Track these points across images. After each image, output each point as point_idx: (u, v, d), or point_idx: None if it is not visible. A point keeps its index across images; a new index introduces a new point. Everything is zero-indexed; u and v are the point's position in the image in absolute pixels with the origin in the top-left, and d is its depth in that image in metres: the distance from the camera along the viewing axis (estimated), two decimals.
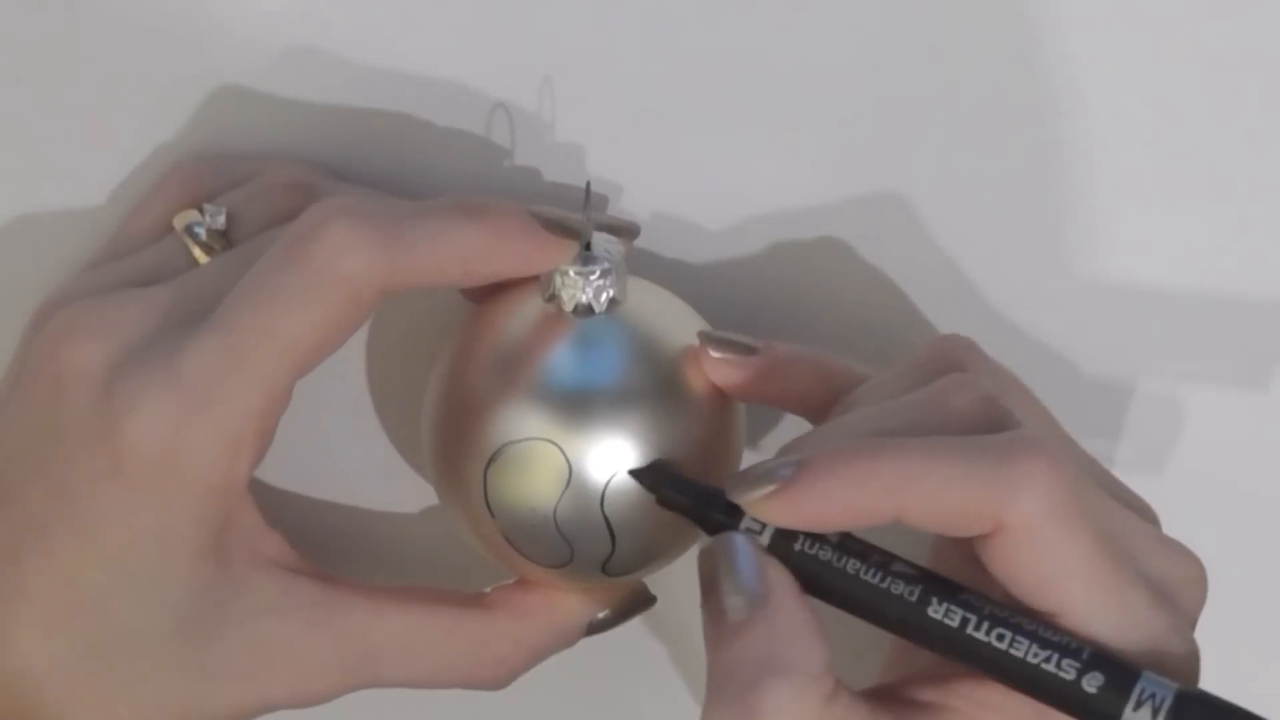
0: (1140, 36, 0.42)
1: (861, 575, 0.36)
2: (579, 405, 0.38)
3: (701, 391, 0.39)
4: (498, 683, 0.41)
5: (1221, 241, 0.44)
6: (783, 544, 0.36)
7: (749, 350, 0.40)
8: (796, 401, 0.41)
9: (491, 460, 0.38)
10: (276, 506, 0.42)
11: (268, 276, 0.37)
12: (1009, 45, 0.42)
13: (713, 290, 0.44)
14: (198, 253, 0.41)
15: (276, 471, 0.45)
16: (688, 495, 0.38)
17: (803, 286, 0.45)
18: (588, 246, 0.39)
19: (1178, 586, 0.37)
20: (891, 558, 0.36)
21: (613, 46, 0.43)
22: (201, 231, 0.41)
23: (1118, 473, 0.39)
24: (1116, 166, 0.43)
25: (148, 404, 0.37)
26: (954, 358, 0.38)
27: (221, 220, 0.41)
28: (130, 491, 0.37)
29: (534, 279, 0.40)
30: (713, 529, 0.37)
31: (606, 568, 0.39)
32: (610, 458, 0.38)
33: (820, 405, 0.40)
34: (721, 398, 0.40)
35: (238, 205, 0.42)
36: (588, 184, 0.39)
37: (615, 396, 0.38)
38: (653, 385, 0.39)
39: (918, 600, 0.36)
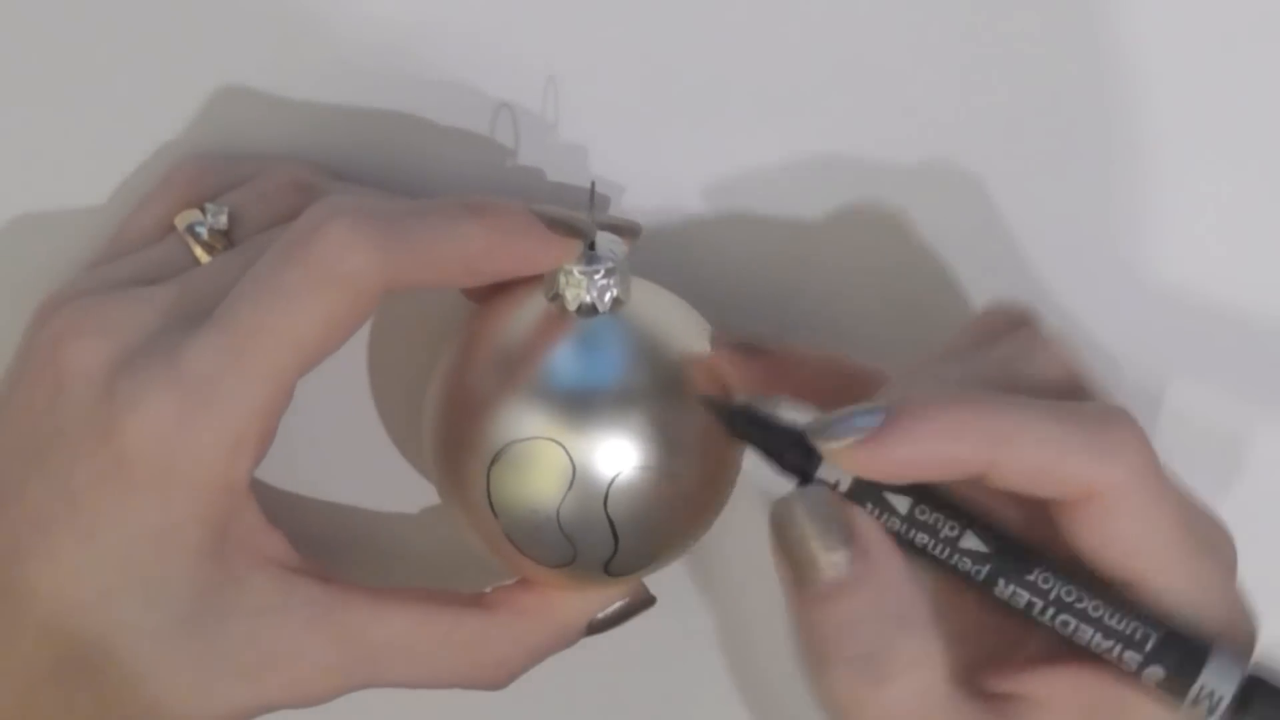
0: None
1: (929, 550, 0.36)
2: (582, 404, 0.38)
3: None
4: (497, 683, 0.41)
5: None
6: (861, 497, 0.35)
7: (759, 353, 0.40)
8: (812, 400, 0.40)
9: (494, 459, 0.38)
10: (277, 506, 0.41)
11: (269, 275, 0.37)
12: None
13: (715, 290, 0.44)
14: (199, 252, 0.41)
15: (278, 471, 0.45)
16: (766, 430, 0.37)
17: (806, 287, 0.45)
18: (591, 246, 0.39)
19: (1225, 556, 0.37)
20: (964, 527, 0.36)
21: (617, 46, 0.43)
22: (203, 231, 0.41)
23: None
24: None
25: (149, 402, 0.37)
26: (1019, 320, 0.38)
27: (223, 220, 0.41)
28: (131, 490, 0.37)
29: (537, 279, 0.40)
30: (786, 468, 0.36)
31: (609, 568, 0.39)
32: (614, 457, 0.38)
33: (837, 403, 0.40)
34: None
35: (239, 205, 0.42)
36: (592, 184, 0.40)
37: (619, 396, 0.38)
38: (656, 385, 0.39)
39: (984, 580, 0.35)
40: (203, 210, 0.41)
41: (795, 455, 0.36)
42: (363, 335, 0.45)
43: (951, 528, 0.36)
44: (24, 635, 0.38)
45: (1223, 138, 0.43)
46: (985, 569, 0.35)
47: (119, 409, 0.37)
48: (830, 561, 0.35)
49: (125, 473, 0.37)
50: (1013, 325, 0.38)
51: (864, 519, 0.35)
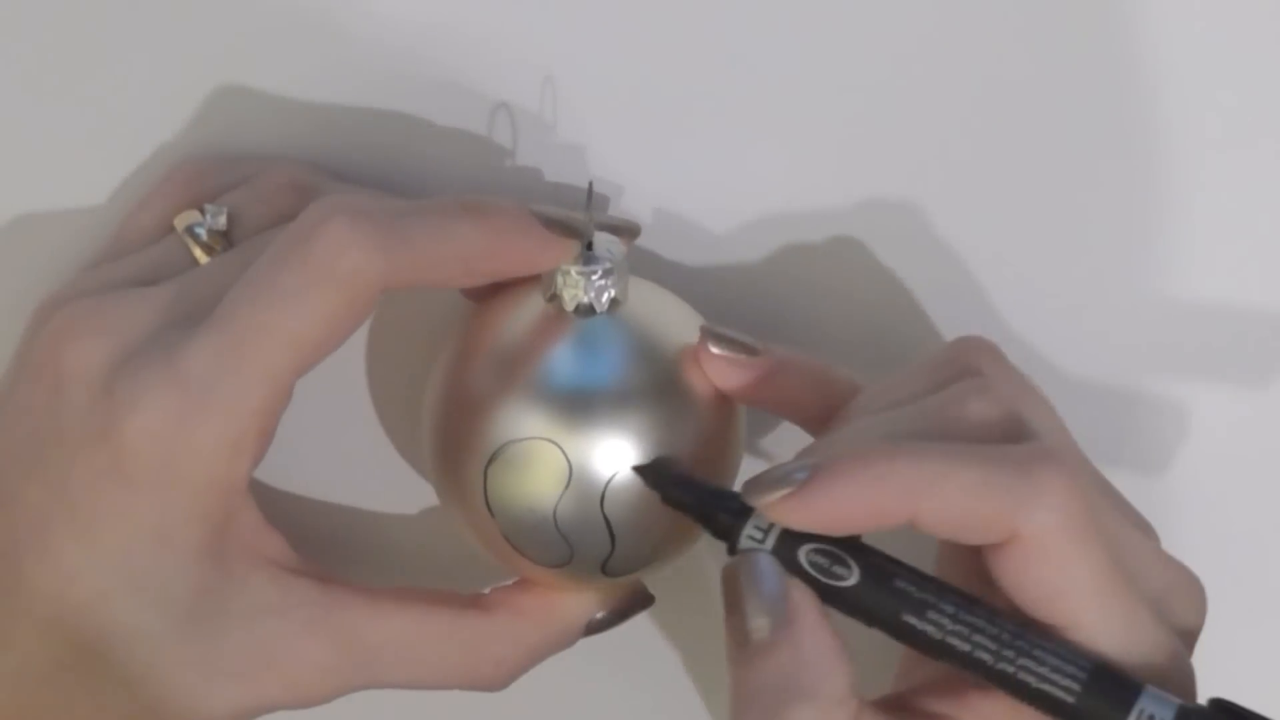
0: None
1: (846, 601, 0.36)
2: (580, 405, 0.38)
3: (702, 392, 0.39)
4: (496, 683, 0.41)
5: None
6: (788, 552, 0.36)
7: (750, 350, 0.40)
8: (793, 408, 0.41)
9: (491, 459, 0.38)
10: (276, 507, 0.42)
11: (268, 274, 0.37)
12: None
13: (713, 291, 0.44)
14: (199, 253, 0.41)
15: (276, 472, 0.45)
16: (693, 494, 0.38)
17: (804, 289, 0.45)
18: (589, 246, 0.39)
19: (1179, 605, 0.37)
20: (896, 568, 0.36)
21: (615, 46, 0.43)
22: (202, 232, 0.41)
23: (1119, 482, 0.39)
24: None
25: (148, 403, 0.37)
26: (972, 360, 0.38)
27: (222, 221, 0.41)
28: (130, 490, 0.37)
29: (535, 279, 0.40)
30: (717, 530, 0.37)
31: (606, 568, 0.39)
32: (611, 457, 0.38)
33: (817, 414, 0.40)
34: (722, 398, 0.40)
35: (239, 205, 0.42)
36: (589, 184, 0.39)
37: (616, 396, 0.38)
38: (653, 385, 0.39)
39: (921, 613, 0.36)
40: (202, 211, 0.41)
41: (725, 516, 0.37)
42: (361, 335, 0.45)
43: (886, 564, 0.36)
44: (23, 636, 0.38)
45: (1234, 150, 0.43)
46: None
47: (118, 409, 0.37)
48: (756, 625, 0.36)
49: (124, 473, 0.37)
50: (964, 367, 0.38)
51: (798, 590, 0.36)
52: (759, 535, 0.36)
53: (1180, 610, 0.37)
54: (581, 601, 0.41)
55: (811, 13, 0.42)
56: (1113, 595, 0.35)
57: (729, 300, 0.44)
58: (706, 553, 0.45)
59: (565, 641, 0.42)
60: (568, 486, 0.38)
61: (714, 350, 0.39)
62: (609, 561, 0.39)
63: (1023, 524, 0.35)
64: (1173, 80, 0.42)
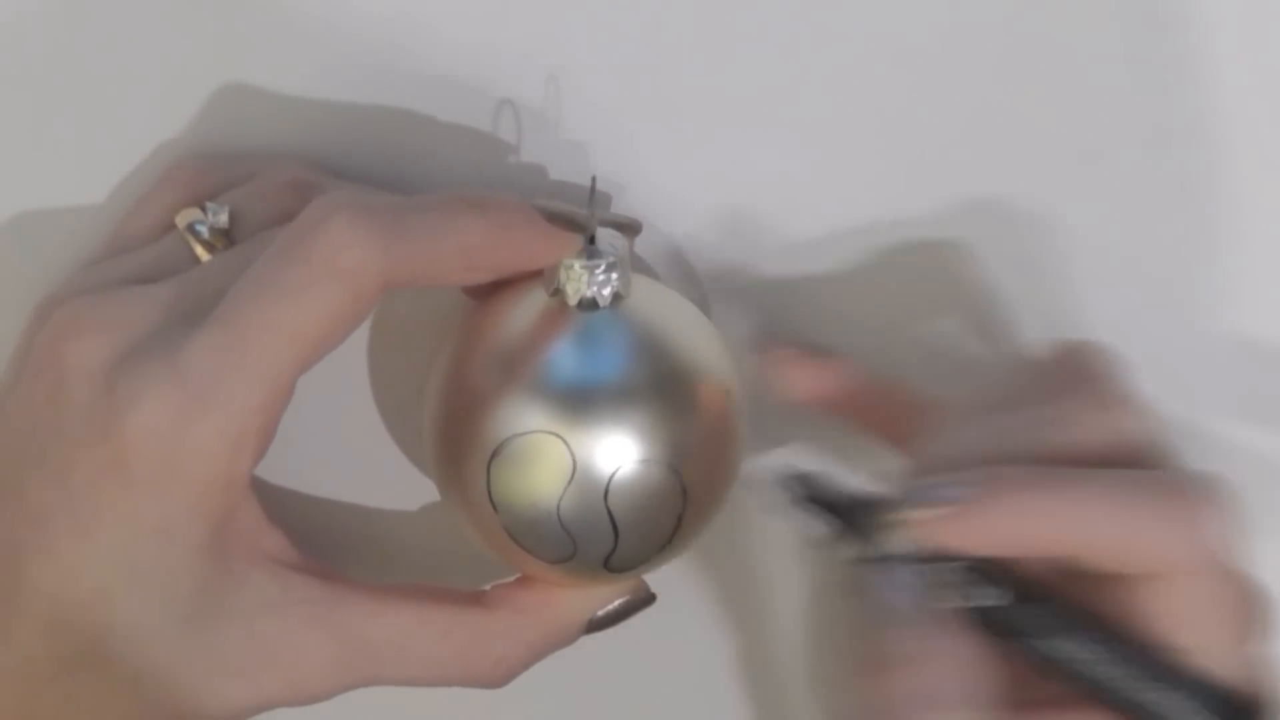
0: None
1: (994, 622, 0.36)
2: (584, 399, 0.38)
3: (705, 387, 0.39)
4: (496, 681, 0.41)
5: None
6: (934, 566, 0.36)
7: (820, 353, 0.40)
8: (869, 415, 0.41)
9: (495, 454, 0.38)
10: (277, 504, 0.41)
11: (269, 272, 0.37)
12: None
13: (717, 288, 0.44)
14: (200, 251, 0.41)
15: (277, 469, 0.45)
16: (837, 500, 0.37)
17: (817, 289, 0.45)
18: (592, 240, 0.39)
19: (1265, 627, 0.37)
20: (1043, 590, 0.36)
21: (619, 43, 0.43)
22: (204, 230, 0.41)
23: None
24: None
25: (150, 399, 0.37)
26: (1085, 368, 0.38)
27: (224, 219, 0.41)
28: (131, 487, 0.37)
29: (537, 276, 0.40)
30: (857, 537, 0.37)
31: (609, 563, 0.39)
32: (614, 452, 0.38)
33: (890, 420, 0.41)
34: (723, 394, 0.40)
35: (240, 203, 0.41)
36: (593, 179, 0.39)
37: (620, 391, 0.38)
38: (658, 380, 0.39)
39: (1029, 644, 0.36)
40: (203, 209, 0.41)
41: (867, 524, 0.36)
42: (362, 332, 0.45)
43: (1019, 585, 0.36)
44: (23, 633, 0.38)
45: None
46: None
47: (119, 406, 0.37)
48: (897, 637, 0.35)
49: (125, 469, 0.37)
50: (1076, 375, 0.38)
51: (943, 605, 0.36)
52: (905, 547, 0.36)
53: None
54: (582, 599, 0.41)
55: (827, 12, 0.42)
56: (1239, 630, 0.36)
57: (731, 298, 0.44)
58: (709, 551, 0.45)
59: (566, 639, 0.41)
60: (571, 481, 0.38)
61: (795, 363, 0.40)
62: (612, 557, 0.39)
63: (1181, 557, 0.35)
64: None
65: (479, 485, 0.39)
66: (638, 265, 0.43)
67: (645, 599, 0.42)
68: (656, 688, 0.48)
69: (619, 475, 0.38)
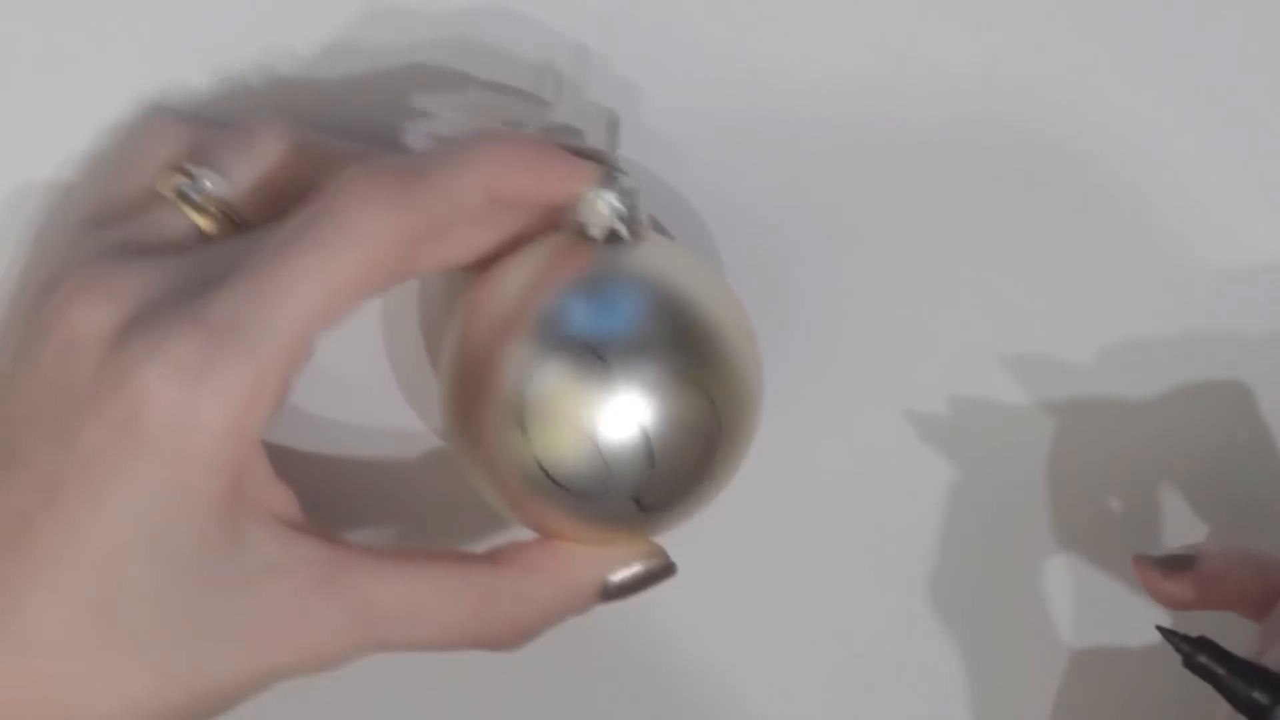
0: None
1: None
2: (619, 320, 0.38)
3: (730, 321, 0.40)
4: (508, 642, 0.40)
5: None
6: None
7: (1188, 564, 0.41)
8: (1239, 600, 0.42)
9: (530, 376, 0.38)
10: (285, 467, 0.41)
11: (295, 229, 0.37)
12: None
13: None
14: (196, 217, 0.40)
15: (284, 432, 0.44)
16: (1226, 666, 0.37)
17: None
18: (611, 175, 0.39)
19: None
20: None
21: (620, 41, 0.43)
22: (195, 195, 0.41)
23: None
24: None
25: (167, 349, 0.36)
26: None
27: (208, 185, 0.41)
28: (144, 445, 0.36)
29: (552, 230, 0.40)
30: (1246, 706, 0.37)
31: (641, 499, 0.39)
32: (651, 370, 0.38)
33: (1260, 599, 0.41)
34: (745, 333, 0.40)
35: (227, 161, 0.41)
36: (612, 115, 0.40)
37: (654, 312, 0.38)
38: (689, 306, 0.39)
39: None
40: (187, 173, 0.41)
41: (1259, 696, 0.37)
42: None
43: None
44: (33, 601, 0.37)
45: None
46: None
47: (134, 359, 0.36)
48: None
49: (138, 426, 0.36)
50: None
51: None
52: None
53: None
54: (598, 557, 0.40)
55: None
56: None
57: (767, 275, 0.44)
58: (716, 551, 0.44)
59: (579, 601, 0.40)
60: (608, 400, 0.38)
61: (1156, 574, 0.41)
62: (645, 489, 0.38)
63: None
64: None
65: (508, 416, 0.38)
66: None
67: (664, 567, 0.41)
68: (665, 691, 0.48)
69: (654, 390, 0.38)
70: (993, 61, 0.44)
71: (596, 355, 0.38)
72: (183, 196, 0.41)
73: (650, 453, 0.38)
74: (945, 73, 0.44)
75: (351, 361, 0.45)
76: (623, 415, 0.38)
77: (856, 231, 0.45)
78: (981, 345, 0.45)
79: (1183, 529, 0.46)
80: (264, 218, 0.39)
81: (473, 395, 0.39)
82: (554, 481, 0.39)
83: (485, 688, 0.46)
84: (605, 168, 0.39)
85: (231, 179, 0.41)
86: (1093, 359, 0.45)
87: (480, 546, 0.41)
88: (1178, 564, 0.42)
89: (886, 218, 0.45)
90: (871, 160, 0.44)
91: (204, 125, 0.42)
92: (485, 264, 0.41)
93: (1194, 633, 0.38)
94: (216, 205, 0.41)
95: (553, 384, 0.38)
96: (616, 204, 0.39)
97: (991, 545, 0.46)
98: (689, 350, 0.38)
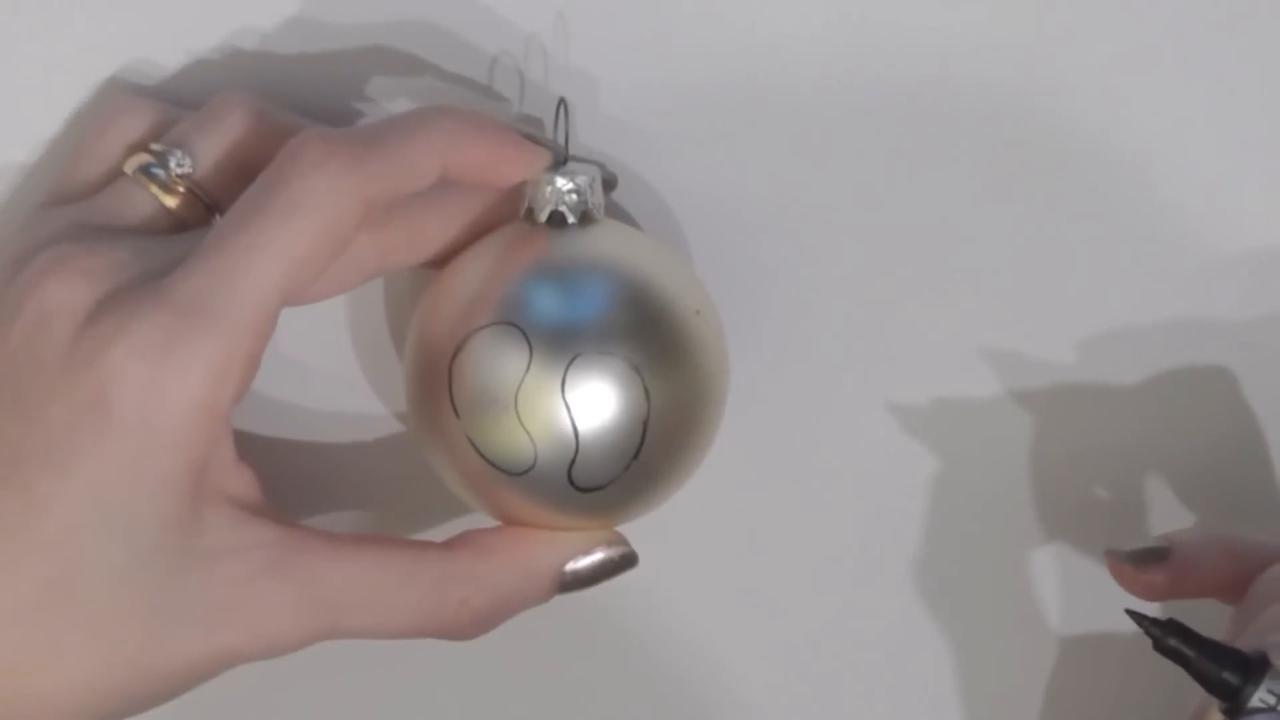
0: None
1: None
2: (544, 296, 0.38)
3: (670, 300, 0.39)
4: (464, 630, 0.40)
5: None
6: None
7: (1162, 555, 0.41)
8: (1214, 586, 0.42)
9: (455, 354, 0.38)
10: (250, 453, 0.41)
11: (251, 202, 0.38)
12: None
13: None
14: (161, 195, 0.41)
15: (248, 415, 0.44)
16: (1196, 648, 0.37)
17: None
18: (564, 161, 0.40)
19: None
20: None
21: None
22: (160, 173, 0.41)
23: None
24: None
25: (137, 324, 0.36)
26: None
27: (176, 163, 0.41)
28: (111, 423, 0.37)
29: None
30: (1218, 688, 0.36)
31: (573, 477, 0.38)
32: (571, 339, 0.38)
33: (1233, 583, 0.41)
34: (692, 311, 0.40)
35: (191, 138, 0.41)
36: (561, 101, 0.40)
37: (583, 290, 0.39)
38: (623, 286, 0.39)
39: None
40: (152, 152, 0.41)
41: (1229, 676, 0.37)
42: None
43: None
44: None
45: None
46: None
47: (104, 337, 0.37)
48: None
49: (106, 403, 0.37)
50: None
51: None
52: (1271, 699, 0.36)
53: None
54: (554, 543, 0.40)
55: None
56: None
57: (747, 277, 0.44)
58: (713, 550, 0.44)
59: (536, 587, 0.40)
60: (528, 370, 0.38)
61: (1131, 568, 0.41)
62: (574, 468, 0.38)
63: None
64: None
65: (444, 394, 0.39)
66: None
67: (625, 556, 0.41)
68: (659, 689, 0.47)
69: (575, 363, 0.38)
70: (969, 50, 0.43)
71: (521, 334, 0.38)
72: (149, 176, 0.41)
73: (574, 428, 0.38)
74: (919, 60, 0.43)
75: (317, 348, 0.45)
76: (545, 392, 0.38)
77: (832, 219, 0.45)
78: (966, 335, 0.45)
79: (1169, 517, 0.45)
80: (231, 194, 0.39)
81: (427, 383, 0.39)
82: (486, 460, 0.39)
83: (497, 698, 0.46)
84: (556, 154, 0.40)
85: (197, 157, 0.41)
86: (1078, 348, 0.45)
87: (446, 533, 0.41)
88: (1150, 557, 0.42)
89: (864, 205, 0.44)
90: (846, 146, 0.44)
91: (168, 105, 0.43)
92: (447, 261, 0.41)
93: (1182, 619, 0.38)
94: (183, 184, 0.41)
95: (475, 363, 0.38)
96: (563, 188, 0.39)
97: (979, 535, 0.46)
98: (624, 331, 0.38)
